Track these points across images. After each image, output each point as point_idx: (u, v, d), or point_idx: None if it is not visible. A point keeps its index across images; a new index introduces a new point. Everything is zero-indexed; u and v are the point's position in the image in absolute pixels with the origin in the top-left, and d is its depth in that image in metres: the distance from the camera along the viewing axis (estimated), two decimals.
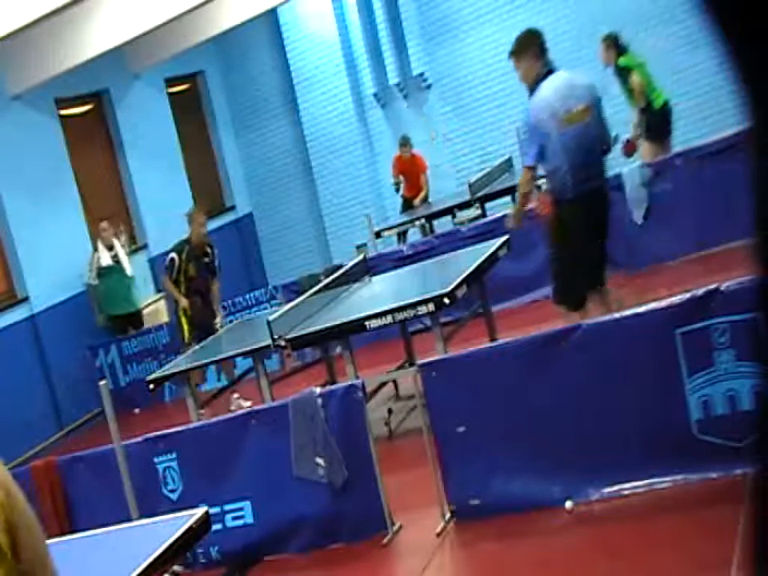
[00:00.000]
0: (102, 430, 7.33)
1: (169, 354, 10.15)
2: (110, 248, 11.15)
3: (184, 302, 9.25)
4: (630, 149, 10.24)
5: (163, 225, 12.86)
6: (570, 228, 6.01)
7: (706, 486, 4.75)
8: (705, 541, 4.32)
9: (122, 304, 11.36)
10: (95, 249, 11.19)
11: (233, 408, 9.10)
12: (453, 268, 7.33)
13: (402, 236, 12.22)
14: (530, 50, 5.97)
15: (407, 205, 13.10)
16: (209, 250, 9.37)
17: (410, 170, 13.08)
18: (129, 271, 11.26)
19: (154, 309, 11.94)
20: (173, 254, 9.20)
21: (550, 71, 5.97)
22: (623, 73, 10.12)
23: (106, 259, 11.09)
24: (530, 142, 5.96)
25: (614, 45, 10.21)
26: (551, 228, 6.15)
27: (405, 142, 12.99)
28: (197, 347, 8.62)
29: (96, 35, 10.60)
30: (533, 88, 5.90)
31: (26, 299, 10.78)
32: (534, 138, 5.89)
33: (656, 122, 10.04)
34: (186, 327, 9.32)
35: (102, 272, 11.08)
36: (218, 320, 9.44)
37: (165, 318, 11.59)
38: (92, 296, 11.25)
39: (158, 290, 12.18)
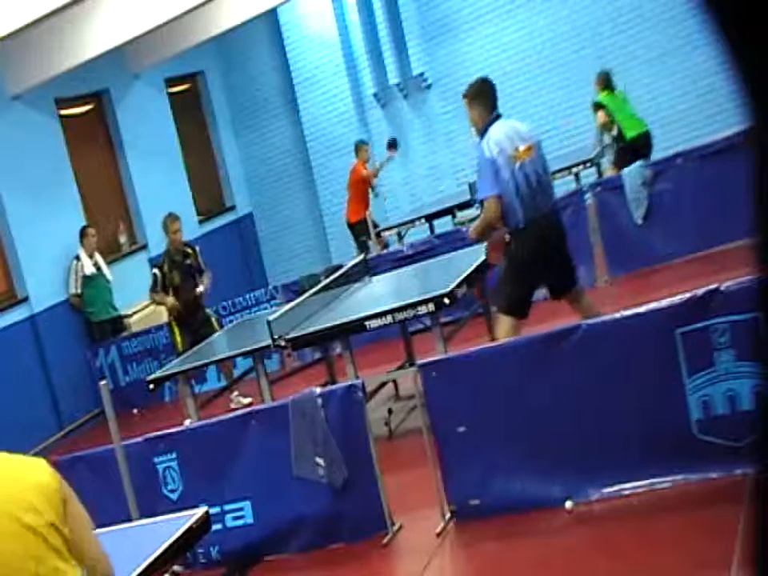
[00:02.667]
0: (102, 429, 7.33)
1: (169, 354, 10.15)
2: (91, 255, 11.19)
3: (170, 300, 9.31)
4: None
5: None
6: (521, 253, 6.33)
7: (706, 486, 4.75)
8: (705, 541, 4.32)
9: (108, 309, 11.44)
10: (77, 258, 11.17)
11: (233, 405, 9.12)
12: (453, 268, 7.33)
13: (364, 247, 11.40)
14: (483, 97, 6.43)
15: (351, 230, 12.47)
16: (188, 250, 9.52)
17: (349, 185, 12.75)
18: (109, 276, 11.37)
19: (154, 309, 11.93)
20: (155, 270, 9.43)
21: (498, 116, 6.46)
22: (594, 107, 11.21)
23: (89, 267, 11.12)
24: (486, 175, 6.34)
25: (603, 82, 11.13)
26: (507, 251, 6.48)
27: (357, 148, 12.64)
28: (197, 348, 8.62)
29: (96, 35, 10.59)
30: (482, 132, 6.40)
31: (25, 299, 10.78)
32: (489, 172, 6.29)
33: (624, 152, 10.82)
34: (178, 337, 9.40)
35: (86, 281, 11.10)
36: (215, 326, 9.51)
37: (165, 319, 11.59)
38: (77, 305, 11.23)
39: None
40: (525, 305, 6.34)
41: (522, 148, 6.32)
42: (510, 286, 6.40)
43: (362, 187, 12.51)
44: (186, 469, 5.96)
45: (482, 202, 6.50)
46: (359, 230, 12.12)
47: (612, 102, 11.10)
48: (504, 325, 6.32)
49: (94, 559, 2.76)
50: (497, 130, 6.33)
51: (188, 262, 9.44)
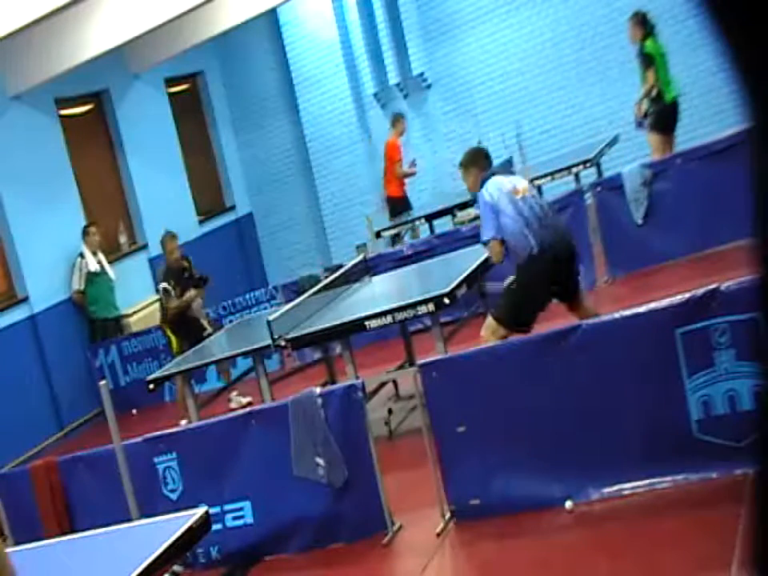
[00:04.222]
0: (101, 429, 7.33)
1: (169, 354, 10.15)
2: (94, 253, 11.21)
3: (192, 293, 9.36)
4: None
5: (163, 225, 12.85)
6: (535, 276, 6.34)
7: (706, 486, 4.75)
8: (705, 541, 4.32)
9: (110, 308, 11.46)
10: (81, 255, 11.19)
11: (233, 405, 9.12)
12: (453, 268, 7.33)
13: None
14: (478, 164, 6.70)
15: (392, 206, 12.49)
16: (186, 264, 9.65)
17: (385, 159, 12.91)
18: (112, 275, 11.38)
19: (154, 309, 11.93)
20: (164, 285, 9.48)
21: (493, 174, 6.71)
22: (645, 60, 10.29)
23: (93, 264, 11.14)
24: (486, 218, 6.48)
25: (641, 23, 10.41)
26: (520, 271, 6.50)
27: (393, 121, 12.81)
28: (197, 347, 8.62)
29: (96, 35, 10.59)
30: (479, 188, 6.61)
31: (25, 299, 10.77)
32: (489, 216, 6.45)
33: (665, 114, 10.31)
34: (174, 343, 9.39)
35: (90, 277, 11.12)
36: (208, 329, 9.49)
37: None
38: (80, 302, 11.23)
39: (158, 290, 12.17)
40: (527, 321, 6.33)
41: (519, 187, 6.53)
42: (517, 300, 6.40)
43: (398, 161, 12.61)
44: (186, 469, 5.97)
45: (484, 244, 6.60)
46: (399, 205, 12.15)
47: (657, 56, 10.24)
48: (491, 329, 6.35)
49: None
50: (494, 179, 6.57)
51: (185, 275, 9.57)
